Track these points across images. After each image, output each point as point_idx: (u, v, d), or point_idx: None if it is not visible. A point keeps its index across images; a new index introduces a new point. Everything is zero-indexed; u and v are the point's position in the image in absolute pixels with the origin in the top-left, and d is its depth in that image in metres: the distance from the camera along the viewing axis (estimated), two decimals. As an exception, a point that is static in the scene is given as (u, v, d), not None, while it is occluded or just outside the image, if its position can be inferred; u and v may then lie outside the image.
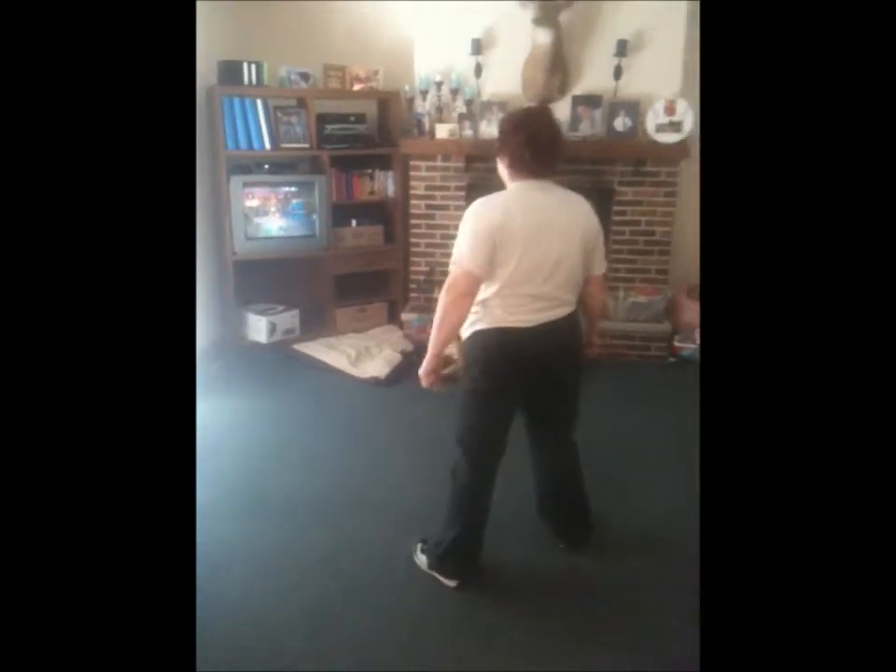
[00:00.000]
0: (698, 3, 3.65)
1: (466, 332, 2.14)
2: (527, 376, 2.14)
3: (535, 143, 2.05)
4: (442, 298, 2.05)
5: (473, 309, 2.09)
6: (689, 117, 3.91)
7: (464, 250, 2.02)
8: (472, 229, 2.02)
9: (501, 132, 2.14)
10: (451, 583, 2.24)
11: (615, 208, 4.17)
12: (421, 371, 2.18)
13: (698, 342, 4.04)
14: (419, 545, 2.37)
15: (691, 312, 4.18)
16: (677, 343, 4.15)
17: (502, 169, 2.16)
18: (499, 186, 2.21)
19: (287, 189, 4.15)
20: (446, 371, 2.26)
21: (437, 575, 2.26)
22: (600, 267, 2.23)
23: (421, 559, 2.33)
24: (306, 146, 4.16)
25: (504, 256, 2.00)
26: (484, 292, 2.06)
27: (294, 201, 4.18)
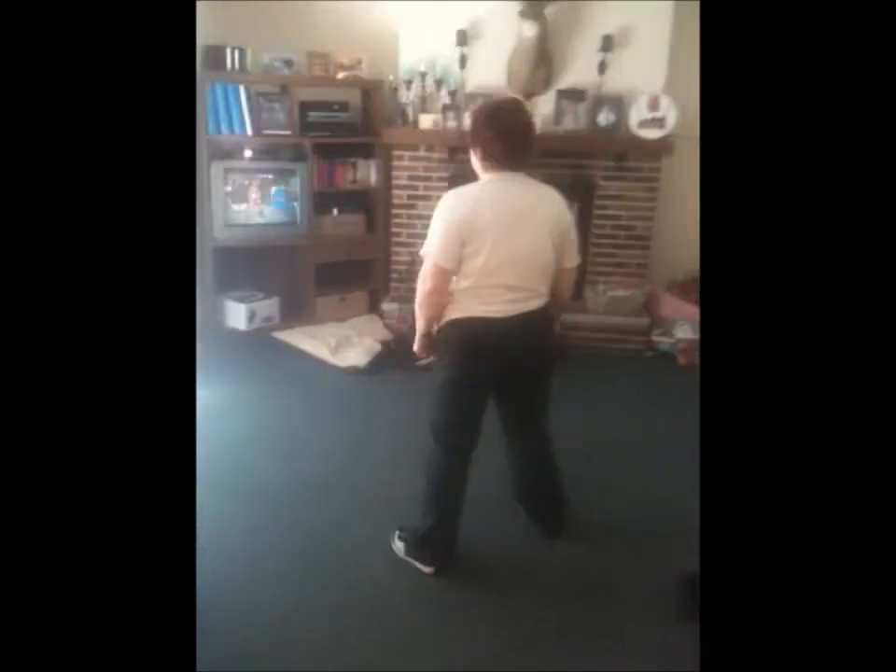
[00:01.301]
0: (685, 0, 3.72)
1: (442, 321, 2.16)
2: (500, 366, 2.16)
3: (507, 136, 2.06)
4: (418, 288, 2.12)
5: (451, 299, 2.11)
6: (671, 113, 3.94)
7: (433, 244, 2.06)
8: (441, 222, 2.05)
9: (473, 124, 2.14)
10: (428, 570, 2.25)
11: (597, 202, 4.20)
12: (415, 349, 2.28)
13: (676, 336, 4.09)
14: (397, 532, 2.37)
15: (669, 306, 4.22)
16: (654, 338, 4.19)
17: (475, 161, 2.17)
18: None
19: (268, 175, 4.12)
20: (424, 362, 2.29)
21: (414, 562, 2.28)
22: (571, 260, 2.23)
23: (398, 546, 2.34)
24: (288, 132, 4.13)
25: (475, 247, 2.02)
26: (459, 283, 2.08)
27: (275, 188, 4.15)
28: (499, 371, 2.18)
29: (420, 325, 2.18)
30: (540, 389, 2.32)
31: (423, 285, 2.10)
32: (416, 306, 2.15)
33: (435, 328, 2.18)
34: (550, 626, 2.08)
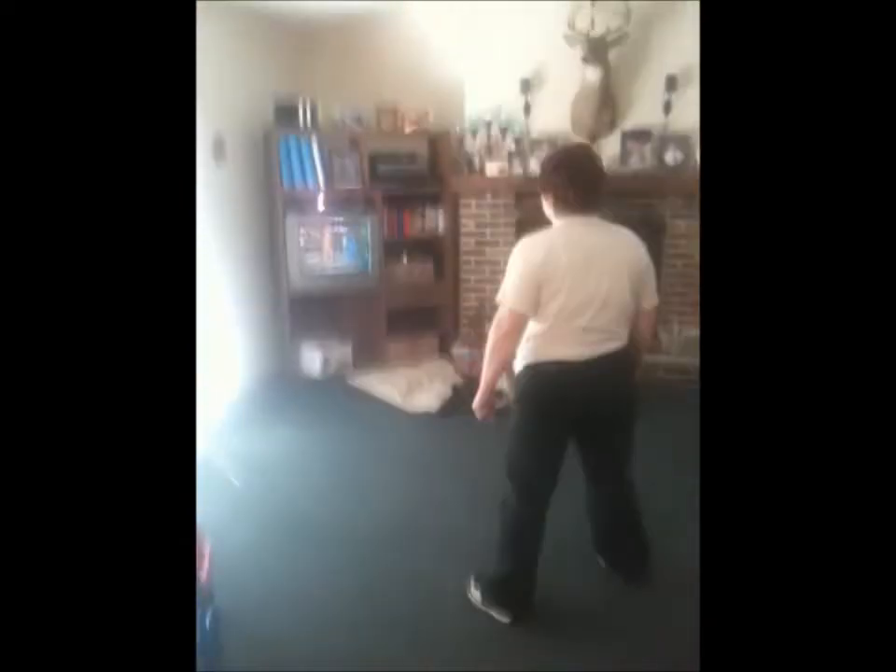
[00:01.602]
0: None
1: (518, 366, 2.15)
2: (579, 410, 2.12)
3: (577, 181, 2.06)
4: (491, 334, 2.10)
5: (526, 344, 2.10)
6: (741, 149, 3.89)
7: (509, 289, 2.06)
8: (517, 268, 2.05)
9: (543, 171, 2.16)
10: (505, 619, 2.21)
11: (667, 241, 4.15)
12: (475, 405, 2.22)
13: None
14: (472, 580, 2.34)
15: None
16: (733, 378, 4.05)
17: (547, 207, 2.17)
18: (549, 221, 2.22)
19: (340, 226, 4.27)
20: (498, 406, 2.27)
21: (490, 610, 2.24)
22: (650, 300, 2.20)
23: (475, 594, 2.30)
24: (359, 186, 4.27)
25: (551, 292, 2.01)
26: (536, 327, 2.07)
27: (347, 238, 4.29)
28: (578, 416, 2.14)
29: (487, 374, 2.13)
30: (622, 434, 2.26)
31: (497, 330, 2.08)
32: (487, 352, 2.12)
33: (507, 379, 2.15)
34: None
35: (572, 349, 2.05)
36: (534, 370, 2.10)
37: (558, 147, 2.32)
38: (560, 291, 2.01)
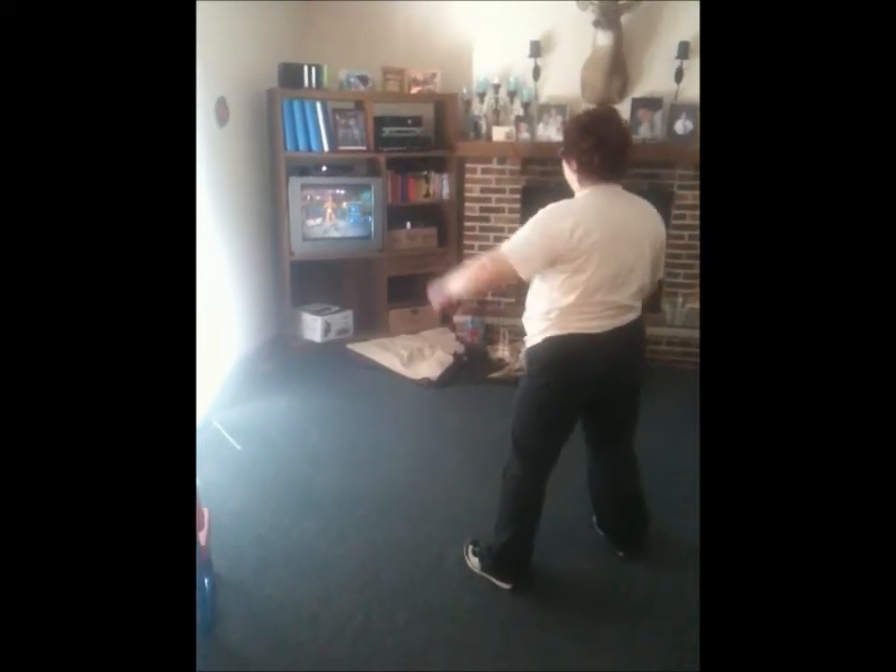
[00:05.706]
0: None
1: (536, 339, 2.10)
2: (594, 382, 2.10)
3: (604, 147, 1.98)
4: (475, 263, 2.10)
5: (547, 316, 2.06)
6: (753, 119, 3.81)
7: (518, 245, 2.02)
8: (536, 233, 2.00)
9: (568, 135, 2.08)
10: (505, 586, 2.22)
11: (674, 212, 4.09)
12: (430, 293, 2.26)
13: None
14: (470, 547, 2.36)
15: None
16: (736, 352, 4.04)
17: (569, 173, 2.10)
18: (555, 188, 2.17)
19: (343, 190, 4.20)
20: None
21: (490, 578, 2.25)
22: (659, 274, 2.19)
23: (472, 561, 2.32)
24: (363, 148, 4.20)
25: (579, 264, 1.96)
26: (560, 301, 2.02)
27: (350, 202, 4.23)
28: (592, 387, 2.12)
29: (451, 287, 2.16)
30: (630, 405, 2.26)
31: (482, 267, 2.08)
32: (459, 274, 2.13)
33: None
34: (624, 647, 2.02)
35: (592, 322, 2.03)
36: (552, 342, 2.06)
37: (584, 111, 2.19)
38: (589, 264, 1.96)
